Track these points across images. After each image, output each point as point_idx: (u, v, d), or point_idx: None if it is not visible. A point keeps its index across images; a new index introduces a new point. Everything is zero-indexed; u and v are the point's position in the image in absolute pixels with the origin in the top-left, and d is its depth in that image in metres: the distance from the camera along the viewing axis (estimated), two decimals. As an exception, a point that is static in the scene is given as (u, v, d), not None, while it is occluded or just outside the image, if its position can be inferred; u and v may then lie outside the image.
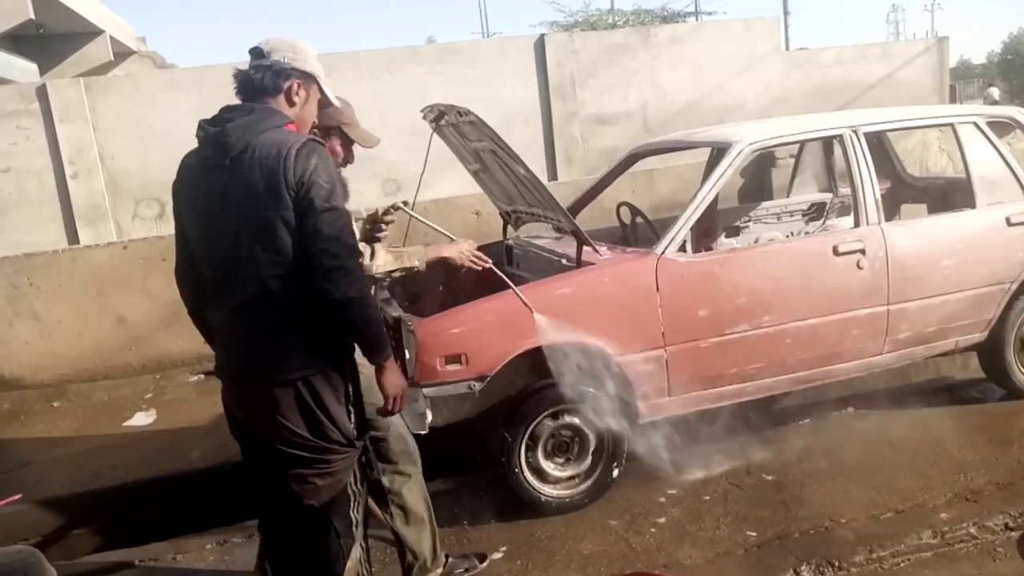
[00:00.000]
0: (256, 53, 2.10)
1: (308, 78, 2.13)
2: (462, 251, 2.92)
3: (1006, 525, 2.93)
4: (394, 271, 2.80)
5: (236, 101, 2.10)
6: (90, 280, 5.61)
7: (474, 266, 2.96)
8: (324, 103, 2.23)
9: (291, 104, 2.10)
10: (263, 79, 2.06)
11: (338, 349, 2.08)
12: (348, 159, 2.79)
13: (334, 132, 2.70)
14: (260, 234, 1.96)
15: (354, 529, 2.17)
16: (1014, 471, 3.31)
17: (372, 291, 2.07)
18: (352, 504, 2.16)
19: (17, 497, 3.59)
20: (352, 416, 2.11)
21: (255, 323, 2.02)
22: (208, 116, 2.07)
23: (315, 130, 2.49)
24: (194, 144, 2.08)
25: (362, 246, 2.63)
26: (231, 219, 1.98)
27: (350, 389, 2.11)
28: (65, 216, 6.81)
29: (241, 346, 2.07)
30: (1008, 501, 3.06)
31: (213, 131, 2.01)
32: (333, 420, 2.05)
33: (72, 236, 6.78)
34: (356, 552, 2.17)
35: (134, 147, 6.77)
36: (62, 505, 3.73)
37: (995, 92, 16.51)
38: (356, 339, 2.07)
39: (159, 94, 6.89)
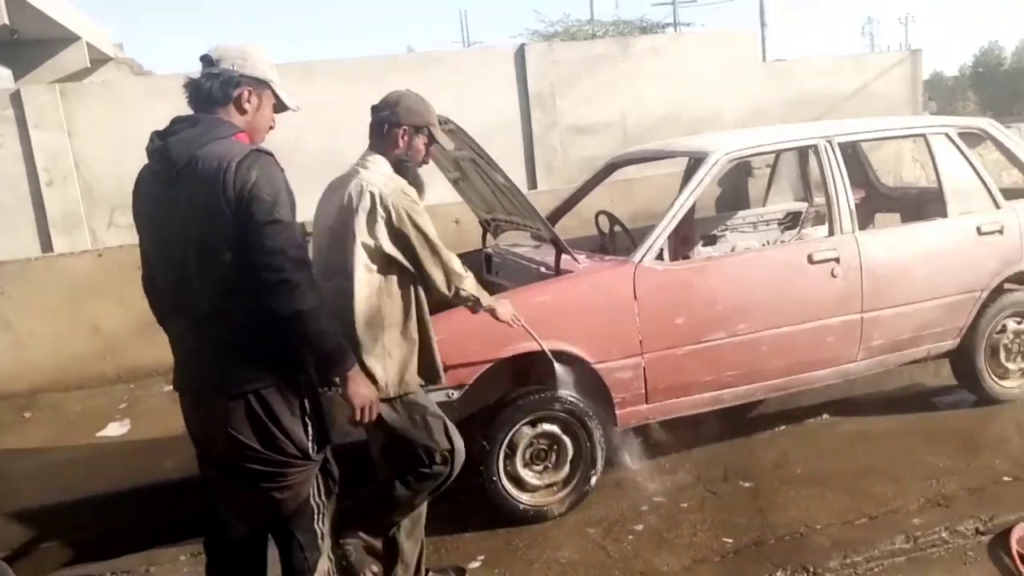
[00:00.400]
0: (206, 61, 2.08)
1: (260, 84, 2.10)
2: (512, 315, 2.86)
3: (977, 530, 2.97)
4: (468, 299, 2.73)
5: None
6: (64, 288, 5.54)
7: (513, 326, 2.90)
8: (279, 108, 2.19)
9: (242, 112, 2.08)
10: (211, 88, 2.03)
11: (292, 361, 2.04)
12: (426, 159, 2.80)
13: (422, 131, 2.70)
14: (205, 250, 1.94)
15: (320, 541, 2.14)
16: (985, 477, 3.36)
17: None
18: (316, 516, 2.14)
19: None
20: (310, 429, 2.07)
21: (208, 337, 2.00)
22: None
23: (404, 127, 2.62)
24: None
25: (463, 268, 2.64)
26: (180, 234, 1.97)
27: (306, 402, 2.07)
28: (39, 224, 6.72)
29: (194, 360, 2.06)
30: (979, 506, 3.10)
31: (158, 144, 2.00)
32: (287, 433, 2.02)
33: (46, 244, 6.70)
34: (324, 565, 2.15)
35: (110, 154, 6.70)
36: (32, 518, 3.66)
37: (932, 106, 16.87)
38: (309, 352, 2.03)
39: (136, 101, 6.83)
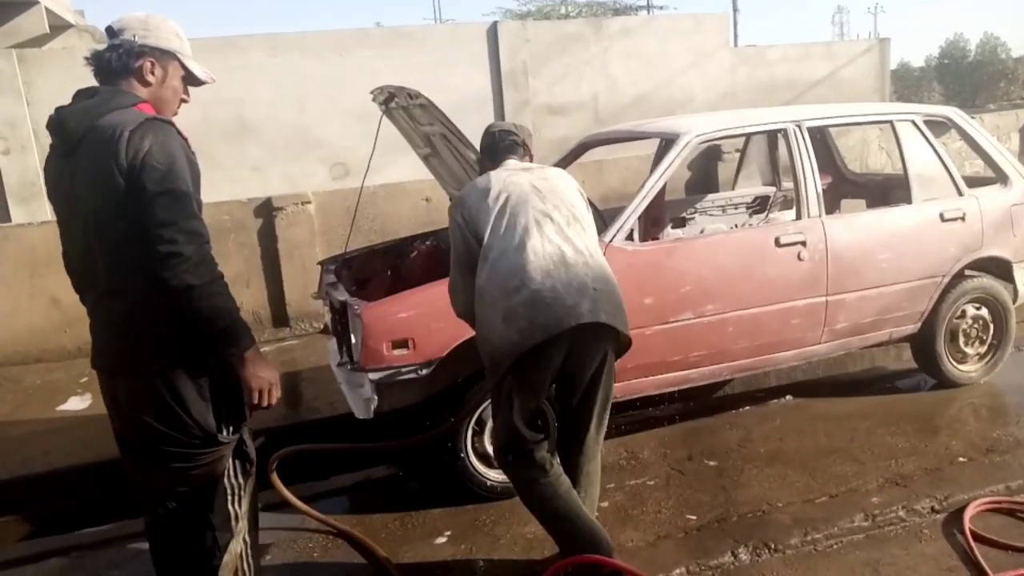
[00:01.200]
0: (109, 32, 2.02)
1: (164, 55, 2.03)
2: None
3: (932, 508, 3.05)
4: None
5: None
6: (22, 260, 5.41)
7: None
8: (190, 80, 2.11)
9: (145, 84, 2.02)
10: (111, 59, 1.98)
11: (199, 340, 1.96)
12: None
13: None
14: (102, 223, 1.90)
15: (233, 523, 2.10)
16: (942, 457, 3.44)
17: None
18: (230, 497, 2.10)
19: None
20: (220, 411, 2.02)
21: (112, 314, 1.97)
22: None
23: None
24: None
25: None
26: (80, 207, 1.93)
27: (215, 383, 2.01)
28: (-4, 194, 6.54)
29: (102, 336, 2.02)
30: (935, 485, 3.18)
31: (54, 117, 1.95)
32: (192, 416, 1.98)
33: (4, 215, 6.52)
34: (236, 546, 2.10)
35: (70, 123, 6.53)
36: (-10, 491, 3.60)
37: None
38: (202, 329, 1.92)
39: (98, 69, 6.64)
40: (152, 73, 2.02)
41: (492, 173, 2.62)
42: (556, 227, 2.49)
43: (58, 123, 1.94)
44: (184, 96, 2.13)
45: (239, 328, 1.96)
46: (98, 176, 1.86)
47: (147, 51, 2.00)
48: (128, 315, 1.93)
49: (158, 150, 1.85)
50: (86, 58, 2.04)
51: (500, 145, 2.74)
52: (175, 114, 2.10)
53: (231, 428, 2.06)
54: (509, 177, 2.58)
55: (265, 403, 2.03)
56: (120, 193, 1.85)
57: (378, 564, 2.85)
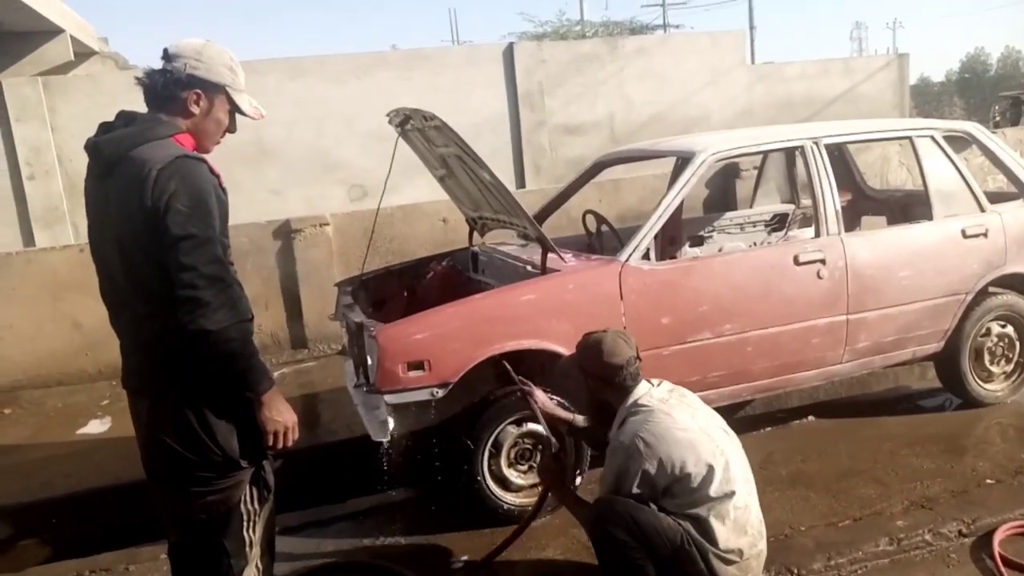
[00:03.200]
0: (164, 55, 2.01)
1: (213, 87, 2.02)
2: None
3: (960, 532, 2.97)
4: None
5: None
6: (45, 283, 5.47)
7: None
8: (236, 112, 2.10)
9: (188, 115, 2.01)
10: (158, 84, 1.98)
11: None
12: None
13: None
14: (126, 253, 1.91)
15: (247, 549, 2.09)
16: (968, 479, 3.36)
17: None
18: (246, 524, 2.09)
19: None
20: (243, 438, 2.02)
21: (142, 336, 1.98)
22: None
23: None
24: None
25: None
26: (109, 232, 1.95)
27: (239, 415, 2.01)
28: (21, 218, 6.65)
29: (131, 358, 2.04)
30: (962, 508, 3.10)
31: (92, 140, 1.97)
32: (216, 441, 1.98)
33: (28, 239, 6.63)
34: (250, 573, 2.11)
35: (93, 148, 6.63)
36: (10, 515, 3.62)
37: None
38: (217, 372, 1.92)
39: (120, 95, 6.68)
40: (196, 104, 2.00)
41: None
42: None
43: (94, 149, 1.96)
44: (230, 128, 2.11)
45: (255, 372, 1.94)
46: (126, 210, 1.88)
47: (195, 82, 1.99)
48: (158, 338, 1.94)
49: (183, 191, 1.84)
50: (137, 78, 2.03)
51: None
52: (217, 143, 2.09)
53: (250, 456, 2.05)
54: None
55: (279, 446, 2.02)
56: (145, 231, 1.86)
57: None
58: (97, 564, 3.18)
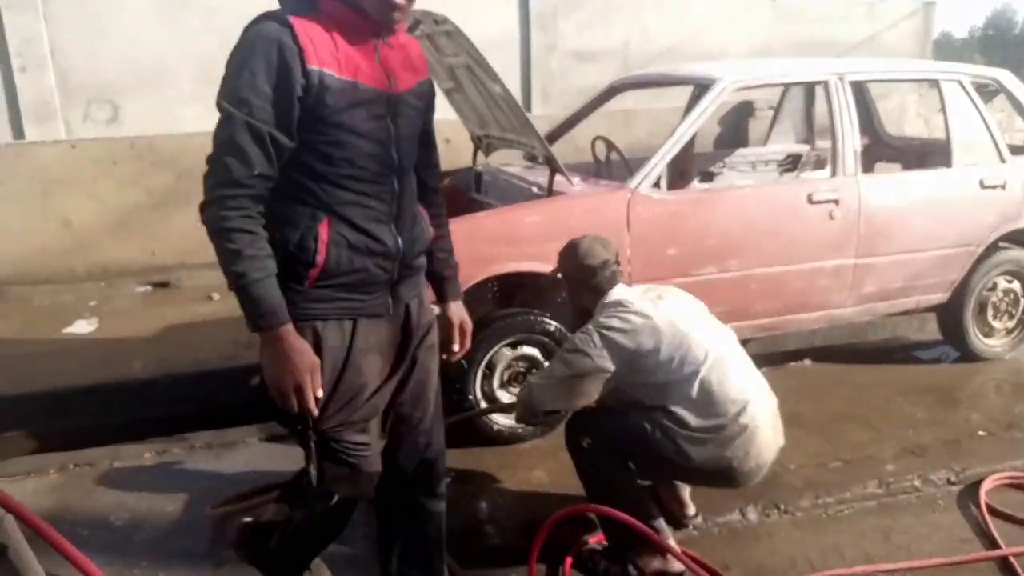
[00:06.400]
0: None
1: None
2: None
3: (948, 480, 2.97)
4: None
5: None
6: (35, 178, 5.34)
7: None
8: None
9: None
10: None
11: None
12: None
13: None
14: None
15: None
16: (961, 430, 3.35)
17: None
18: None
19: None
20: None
21: None
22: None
23: None
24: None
25: None
26: None
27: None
28: (11, 112, 6.42)
29: None
30: (952, 457, 3.10)
31: None
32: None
33: (18, 134, 6.43)
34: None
35: (88, 44, 6.37)
36: (-4, 406, 3.59)
37: None
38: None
39: (119, -13, 6.48)
40: None
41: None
42: None
43: None
44: None
45: (241, 297, 1.58)
46: None
47: None
48: None
49: (234, 56, 1.58)
50: None
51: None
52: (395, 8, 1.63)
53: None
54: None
55: (286, 408, 1.63)
56: None
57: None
58: (82, 458, 3.15)
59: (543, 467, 3.05)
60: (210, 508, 2.46)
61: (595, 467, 2.41)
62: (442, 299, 2.05)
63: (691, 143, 3.94)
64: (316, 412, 1.64)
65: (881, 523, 2.72)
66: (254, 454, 3.19)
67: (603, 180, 3.66)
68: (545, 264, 3.07)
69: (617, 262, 2.55)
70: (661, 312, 2.38)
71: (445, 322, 2.02)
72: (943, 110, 3.85)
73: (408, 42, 1.79)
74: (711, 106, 3.40)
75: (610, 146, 4.08)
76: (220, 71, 1.62)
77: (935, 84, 3.94)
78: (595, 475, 2.42)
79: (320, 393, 1.64)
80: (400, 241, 1.75)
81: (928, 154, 4.50)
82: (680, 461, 2.31)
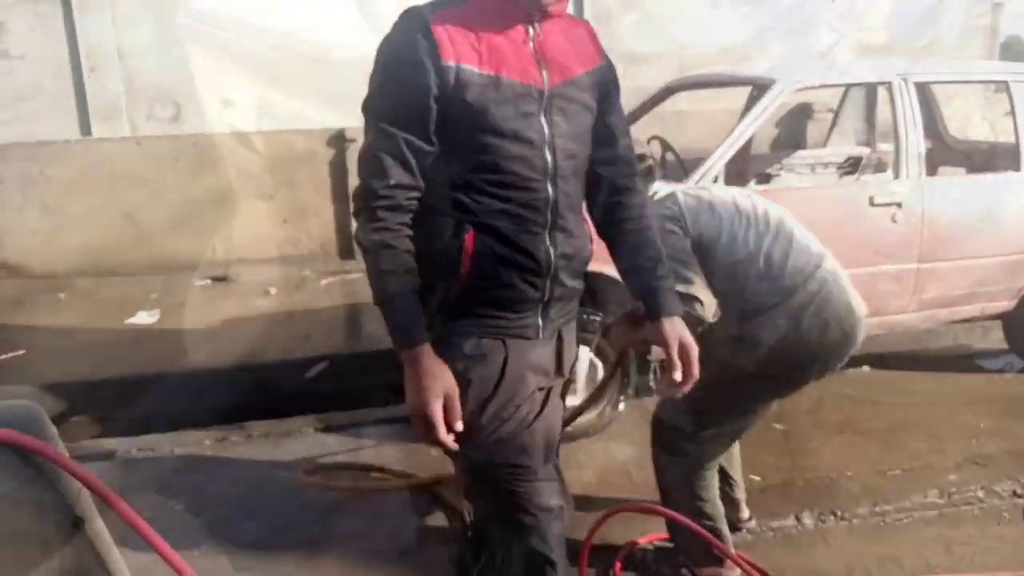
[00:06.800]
0: None
1: None
2: None
3: (1014, 492, 2.87)
4: None
5: None
6: (101, 174, 5.53)
7: None
8: None
9: None
10: None
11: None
12: None
13: None
14: None
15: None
16: (1027, 441, 3.24)
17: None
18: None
19: (21, 352, 3.57)
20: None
21: None
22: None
23: None
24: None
25: None
26: None
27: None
28: (80, 111, 6.67)
29: None
30: (1019, 468, 2.99)
31: None
32: None
33: (86, 131, 6.67)
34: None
35: (153, 45, 6.59)
36: (62, 391, 3.72)
37: None
38: None
39: (182, -8, 6.67)
40: None
41: None
42: None
43: None
44: None
45: (387, 316, 1.47)
46: None
47: None
48: None
49: (383, 46, 1.48)
50: None
51: None
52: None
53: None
54: None
55: (424, 437, 1.48)
56: None
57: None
58: (145, 443, 3.26)
59: (593, 466, 3.04)
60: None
61: (670, 463, 2.32)
62: (653, 315, 1.65)
63: (748, 144, 3.90)
64: (452, 443, 1.47)
65: (942, 534, 2.64)
66: (310, 443, 3.26)
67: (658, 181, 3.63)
68: (596, 264, 3.06)
69: None
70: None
71: (662, 343, 1.63)
72: (1012, 112, 3.73)
73: (571, 26, 1.60)
74: (771, 106, 3.36)
75: (665, 146, 4.05)
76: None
77: (1003, 86, 3.82)
78: (669, 467, 2.34)
79: (459, 425, 1.46)
80: (553, 255, 1.54)
81: (995, 157, 4.37)
82: (751, 359, 2.15)
